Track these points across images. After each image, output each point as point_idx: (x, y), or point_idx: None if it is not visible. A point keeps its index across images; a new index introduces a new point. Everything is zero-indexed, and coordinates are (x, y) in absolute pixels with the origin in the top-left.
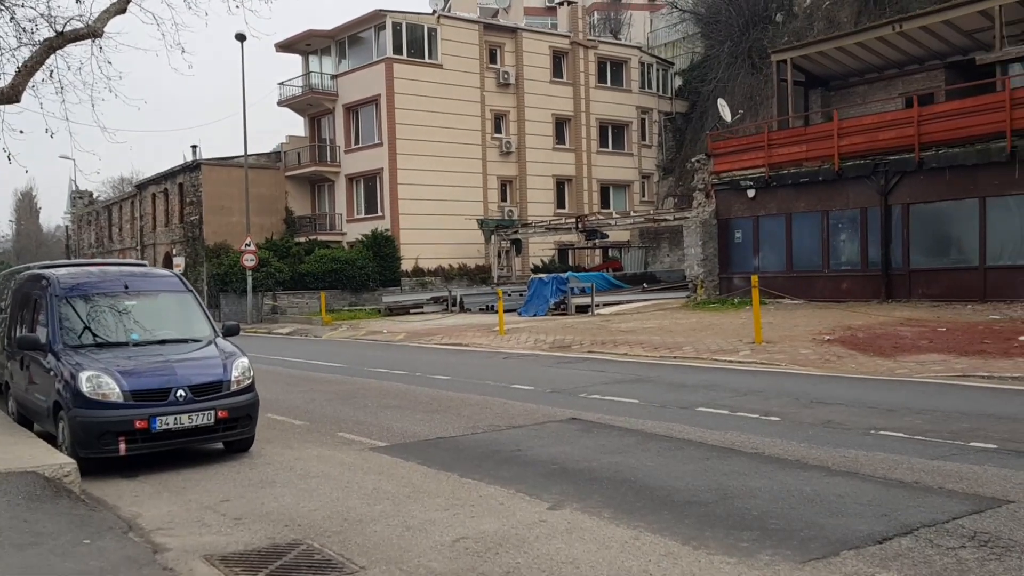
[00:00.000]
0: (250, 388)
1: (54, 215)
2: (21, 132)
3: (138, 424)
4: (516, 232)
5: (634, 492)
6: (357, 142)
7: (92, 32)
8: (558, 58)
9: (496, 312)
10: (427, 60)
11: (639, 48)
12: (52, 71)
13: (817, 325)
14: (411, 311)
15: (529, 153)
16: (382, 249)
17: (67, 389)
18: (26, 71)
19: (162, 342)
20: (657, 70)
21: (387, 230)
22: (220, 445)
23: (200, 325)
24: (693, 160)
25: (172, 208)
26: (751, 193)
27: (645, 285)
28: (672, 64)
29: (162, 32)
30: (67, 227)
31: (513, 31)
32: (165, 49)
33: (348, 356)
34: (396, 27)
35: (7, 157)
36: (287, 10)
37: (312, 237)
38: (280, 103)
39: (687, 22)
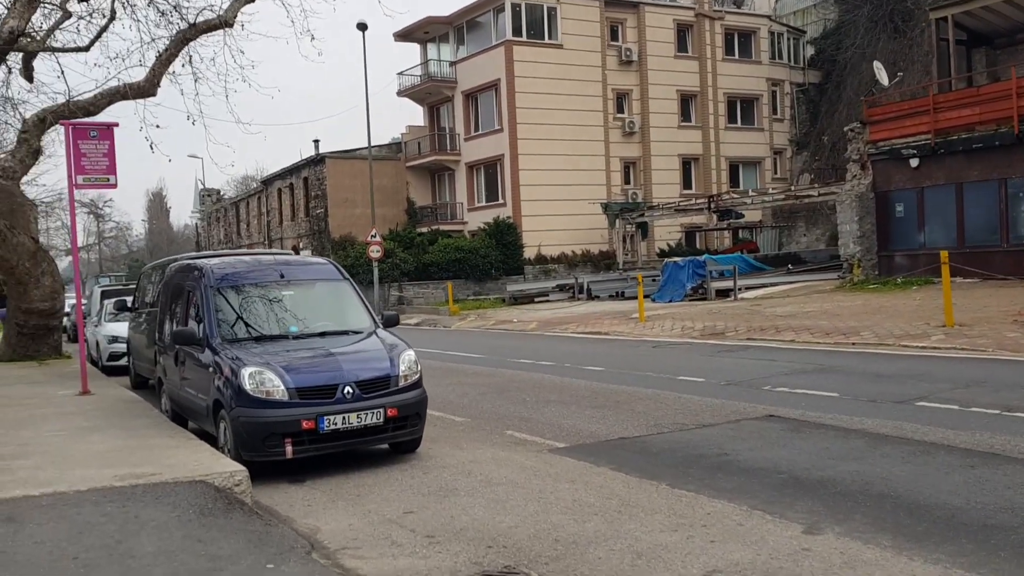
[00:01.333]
0: (418, 383)
1: (182, 214)
2: (158, 127)
3: (305, 424)
4: (642, 215)
5: (905, 511)
6: (477, 129)
7: (224, 22)
8: (682, 32)
9: (627, 299)
10: (547, 41)
11: (769, 17)
12: (191, 56)
13: (1010, 305)
14: (536, 299)
15: (653, 132)
16: (504, 237)
17: (228, 386)
18: (161, 64)
19: (322, 334)
20: (788, 39)
21: (509, 217)
22: (385, 445)
23: (359, 315)
24: (846, 129)
25: (297, 202)
26: (914, 162)
27: (790, 266)
28: (804, 32)
29: (291, 19)
30: (196, 224)
31: (635, 6)
32: (295, 36)
33: (484, 346)
34: (515, 8)
35: (150, 147)
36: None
37: (434, 227)
38: (399, 93)
39: None
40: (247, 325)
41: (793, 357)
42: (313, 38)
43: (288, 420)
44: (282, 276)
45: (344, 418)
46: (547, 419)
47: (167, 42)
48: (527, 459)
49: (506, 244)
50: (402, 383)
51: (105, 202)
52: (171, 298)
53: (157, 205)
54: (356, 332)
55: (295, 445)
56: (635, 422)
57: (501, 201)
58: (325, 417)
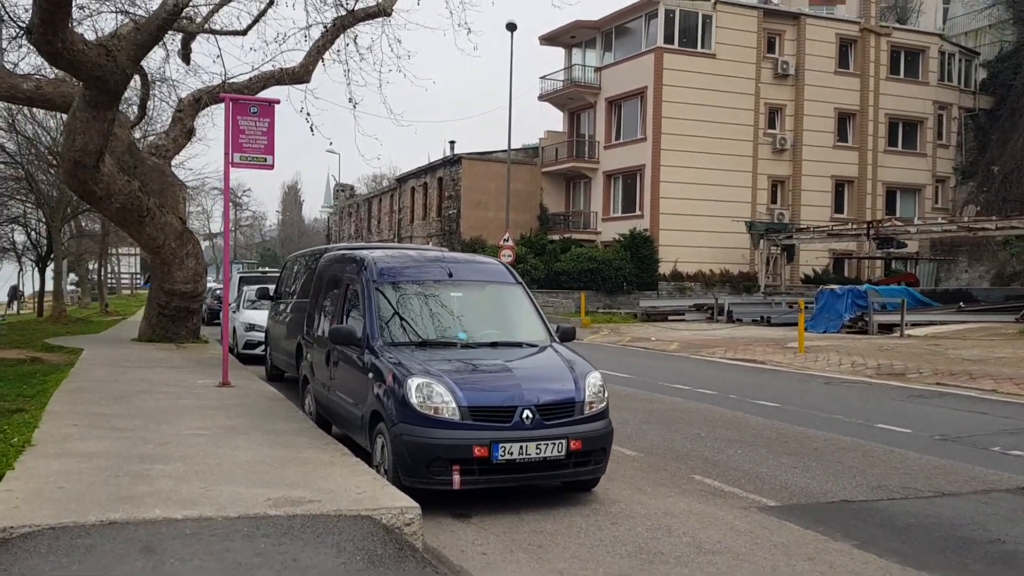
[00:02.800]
0: (604, 413)
1: (313, 207)
2: (308, 114)
3: (477, 451)
4: (789, 237)
5: None
6: (618, 137)
7: (382, 10)
8: (845, 47)
9: (772, 325)
10: (699, 49)
11: (940, 36)
12: (355, 37)
13: None
14: (669, 317)
15: (806, 151)
16: (639, 250)
17: (390, 397)
18: (316, 50)
19: (493, 344)
20: (959, 61)
21: (645, 230)
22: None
23: (534, 325)
24: None
25: (430, 202)
26: None
27: (962, 304)
28: (977, 54)
29: (450, 9)
30: (328, 218)
31: (796, 17)
32: (452, 29)
33: (627, 365)
34: (669, 15)
35: (310, 128)
36: (549, 6)
37: (566, 235)
38: (541, 97)
39: (998, 7)
40: (411, 328)
41: (1008, 411)
42: (469, 31)
43: (459, 444)
44: (451, 275)
45: (521, 447)
46: (737, 464)
47: (323, 28)
48: (736, 519)
49: (641, 257)
50: (587, 411)
51: (244, 191)
52: (324, 290)
53: (291, 198)
54: (531, 345)
55: (463, 474)
56: (851, 480)
57: (638, 212)
58: (500, 444)
